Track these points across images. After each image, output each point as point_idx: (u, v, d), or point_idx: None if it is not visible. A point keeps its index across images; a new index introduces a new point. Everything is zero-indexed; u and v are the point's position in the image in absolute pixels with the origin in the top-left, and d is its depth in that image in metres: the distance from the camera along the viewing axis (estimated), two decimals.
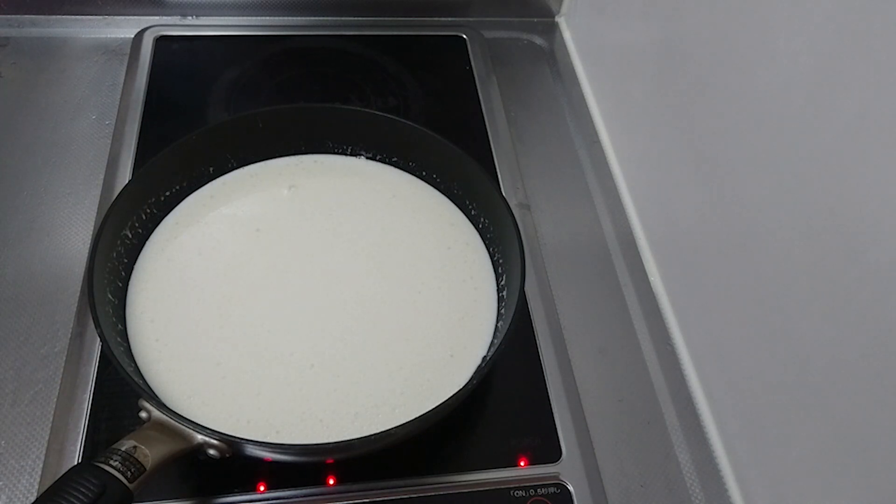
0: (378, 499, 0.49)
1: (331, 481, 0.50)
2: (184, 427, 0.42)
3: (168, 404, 0.47)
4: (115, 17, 0.79)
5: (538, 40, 0.85)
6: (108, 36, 0.78)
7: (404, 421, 0.44)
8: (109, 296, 0.50)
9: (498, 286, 0.56)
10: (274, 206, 0.59)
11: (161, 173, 0.56)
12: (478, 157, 0.58)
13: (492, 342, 0.53)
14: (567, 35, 0.85)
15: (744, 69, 0.49)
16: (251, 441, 0.42)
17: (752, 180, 0.49)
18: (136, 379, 0.46)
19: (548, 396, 0.55)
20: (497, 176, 0.69)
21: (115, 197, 0.52)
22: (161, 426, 0.42)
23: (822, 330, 0.43)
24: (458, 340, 0.53)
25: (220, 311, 0.52)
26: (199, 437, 0.42)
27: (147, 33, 0.78)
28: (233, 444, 0.43)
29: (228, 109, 0.72)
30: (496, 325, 0.54)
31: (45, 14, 0.78)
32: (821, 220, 0.42)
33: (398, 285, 0.55)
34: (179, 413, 0.43)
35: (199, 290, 0.53)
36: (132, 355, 0.50)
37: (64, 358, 0.54)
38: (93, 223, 0.62)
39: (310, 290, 0.54)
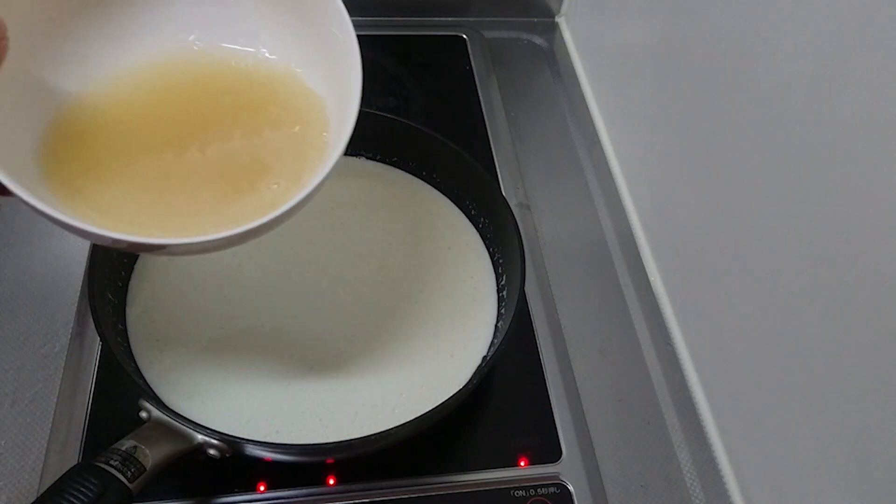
0: (378, 499, 0.49)
1: (331, 481, 0.50)
2: (184, 427, 0.42)
3: (168, 404, 0.47)
4: None
5: (538, 40, 0.85)
6: None
7: (404, 421, 0.44)
8: (109, 296, 0.50)
9: (498, 286, 0.56)
10: None
11: None
12: (478, 157, 0.58)
13: (492, 342, 0.53)
14: (567, 35, 0.85)
15: (744, 69, 0.49)
16: (251, 441, 0.42)
17: (752, 180, 0.49)
18: (136, 379, 0.46)
19: (548, 396, 0.55)
20: (497, 176, 0.69)
21: None
22: (161, 426, 0.43)
23: (822, 330, 0.43)
24: (458, 340, 0.53)
25: (220, 312, 0.52)
26: (199, 437, 0.42)
27: None
28: (233, 444, 0.43)
29: None
30: (496, 325, 0.54)
31: None
32: (821, 220, 0.42)
33: (398, 285, 0.55)
34: (179, 413, 0.43)
35: (199, 290, 0.53)
36: (132, 355, 0.50)
37: (64, 358, 0.54)
38: None
39: (309, 291, 0.54)
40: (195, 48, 0.41)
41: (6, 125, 0.34)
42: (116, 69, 0.40)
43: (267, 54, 0.42)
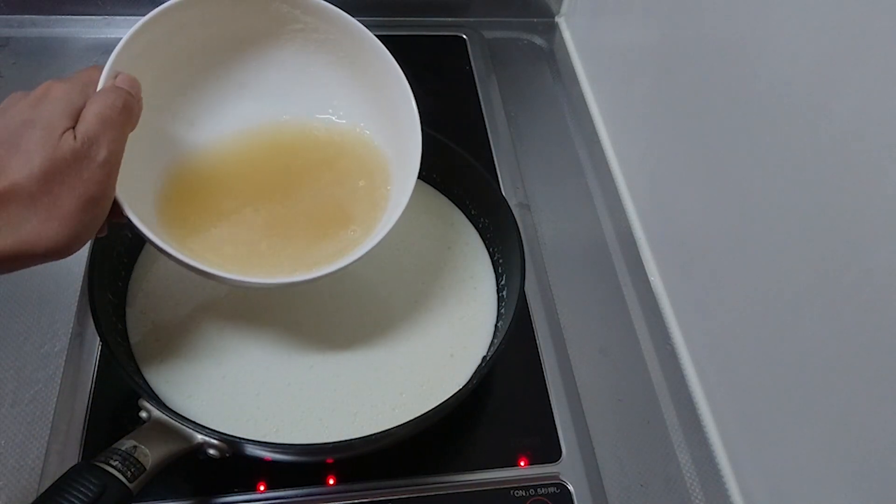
0: (378, 499, 0.49)
1: (331, 481, 0.50)
2: (184, 427, 0.42)
3: (168, 404, 0.47)
4: (115, 17, 0.79)
5: (538, 40, 0.85)
6: (108, 36, 0.78)
7: (404, 421, 0.44)
8: (109, 296, 0.50)
9: (498, 286, 0.56)
10: None
11: None
12: (478, 157, 0.58)
13: (492, 342, 0.53)
14: (567, 35, 0.85)
15: (744, 69, 0.49)
16: (251, 441, 0.42)
17: (751, 180, 0.49)
18: (136, 379, 0.46)
19: (548, 396, 0.55)
20: (497, 176, 0.69)
21: None
22: (161, 426, 0.43)
23: (822, 330, 0.43)
24: (458, 340, 0.53)
25: (221, 312, 0.52)
26: (199, 437, 0.42)
27: None
28: (233, 444, 0.43)
29: None
30: (496, 325, 0.54)
31: (45, 14, 0.78)
32: (820, 220, 0.42)
33: (398, 285, 0.55)
34: (179, 413, 0.43)
35: (198, 290, 0.53)
36: (132, 355, 0.50)
37: (64, 358, 0.54)
38: None
39: (310, 291, 0.54)
40: (284, 118, 0.51)
41: (134, 170, 0.40)
42: (222, 131, 0.49)
43: (338, 119, 0.52)
